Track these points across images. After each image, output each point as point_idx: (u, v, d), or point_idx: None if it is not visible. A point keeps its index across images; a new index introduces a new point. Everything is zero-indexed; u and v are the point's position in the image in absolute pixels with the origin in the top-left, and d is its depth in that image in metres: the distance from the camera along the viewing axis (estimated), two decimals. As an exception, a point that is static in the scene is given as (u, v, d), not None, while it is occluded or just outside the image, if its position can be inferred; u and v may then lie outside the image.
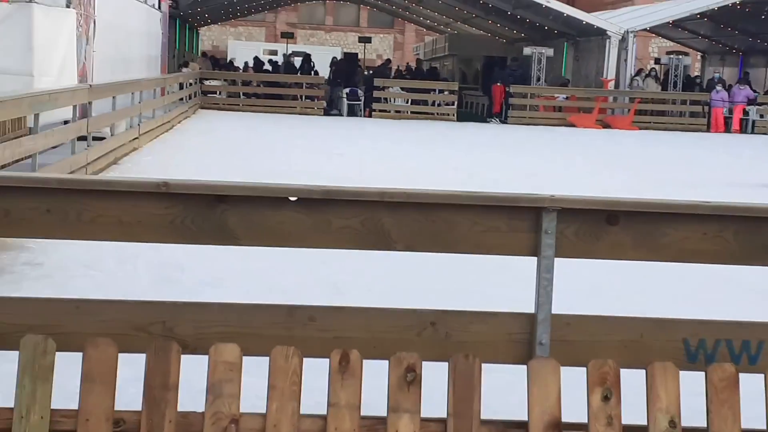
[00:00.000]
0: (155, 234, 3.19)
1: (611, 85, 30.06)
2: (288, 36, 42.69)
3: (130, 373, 3.20)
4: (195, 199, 3.16)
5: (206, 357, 2.93)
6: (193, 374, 3.10)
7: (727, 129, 29.38)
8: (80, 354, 2.91)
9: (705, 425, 2.98)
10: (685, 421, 2.97)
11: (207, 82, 29.99)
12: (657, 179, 15.42)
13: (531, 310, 3.32)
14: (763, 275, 5.92)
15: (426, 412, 2.95)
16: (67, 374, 3.11)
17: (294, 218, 3.22)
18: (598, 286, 7.14)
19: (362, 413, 2.91)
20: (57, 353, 2.89)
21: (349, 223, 3.23)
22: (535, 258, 3.27)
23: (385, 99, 29.89)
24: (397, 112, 29.68)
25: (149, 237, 3.22)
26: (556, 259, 3.26)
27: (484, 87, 34.68)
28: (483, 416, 2.97)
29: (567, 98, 30.51)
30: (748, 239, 3.29)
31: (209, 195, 3.16)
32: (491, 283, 7.04)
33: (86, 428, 2.82)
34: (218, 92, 30.50)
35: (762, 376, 3.05)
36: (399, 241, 3.27)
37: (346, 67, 33.58)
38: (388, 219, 3.23)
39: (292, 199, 3.21)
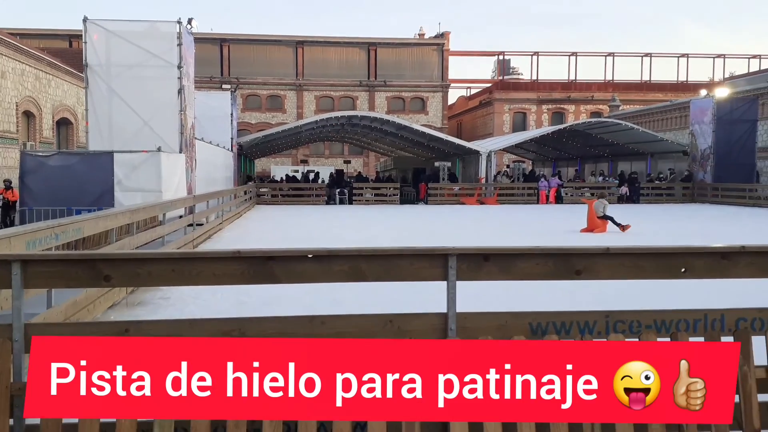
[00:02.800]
0: (232, 280, 3.16)
1: (484, 180, 30.49)
2: (304, 161, 42.85)
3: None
4: (255, 259, 3.16)
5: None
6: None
7: (548, 202, 29.78)
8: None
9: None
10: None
11: (260, 189, 29.92)
12: (513, 231, 15.58)
13: (444, 310, 3.33)
14: (574, 282, 5.95)
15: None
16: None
17: (311, 266, 3.22)
18: (485, 293, 7.10)
19: None
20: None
21: (342, 268, 3.24)
22: (445, 282, 3.29)
23: (360, 194, 30.07)
24: (366, 200, 29.85)
25: (229, 282, 3.19)
26: (457, 282, 3.29)
27: (413, 184, 34.84)
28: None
29: (459, 189, 30.79)
30: (562, 266, 3.34)
31: (263, 257, 3.16)
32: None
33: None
34: (267, 194, 30.42)
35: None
36: (370, 276, 3.28)
37: (337, 178, 33.84)
38: (364, 265, 3.24)
39: (310, 256, 3.22)
